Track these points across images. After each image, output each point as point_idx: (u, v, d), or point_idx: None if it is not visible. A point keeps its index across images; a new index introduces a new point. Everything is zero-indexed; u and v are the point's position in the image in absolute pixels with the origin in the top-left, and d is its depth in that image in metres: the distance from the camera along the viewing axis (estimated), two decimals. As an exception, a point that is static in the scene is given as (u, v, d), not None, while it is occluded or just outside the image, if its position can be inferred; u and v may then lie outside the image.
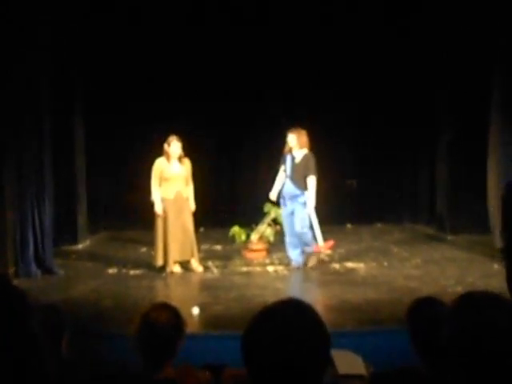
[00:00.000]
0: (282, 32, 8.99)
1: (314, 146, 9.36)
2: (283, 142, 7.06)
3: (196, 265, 7.04)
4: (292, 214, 6.97)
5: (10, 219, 6.73)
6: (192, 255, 6.99)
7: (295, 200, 6.94)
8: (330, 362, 2.43)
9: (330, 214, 9.62)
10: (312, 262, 7.07)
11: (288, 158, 6.99)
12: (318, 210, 9.27)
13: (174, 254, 6.87)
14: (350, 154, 9.81)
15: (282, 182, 7.04)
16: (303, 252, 7.09)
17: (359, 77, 9.31)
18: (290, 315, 1.40)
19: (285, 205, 7.04)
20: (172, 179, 6.87)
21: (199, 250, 7.45)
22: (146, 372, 2.54)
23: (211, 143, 9.59)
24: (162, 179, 6.87)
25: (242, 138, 9.55)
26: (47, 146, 7.21)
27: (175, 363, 2.59)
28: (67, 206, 8.30)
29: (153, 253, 7.10)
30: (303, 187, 6.89)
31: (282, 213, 7.13)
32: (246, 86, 9.34)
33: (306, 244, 7.02)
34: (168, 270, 6.88)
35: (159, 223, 6.89)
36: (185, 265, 7.03)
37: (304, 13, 8.94)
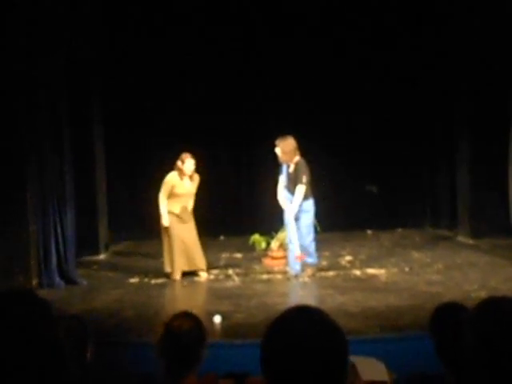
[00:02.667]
0: (295, 47, 9.06)
1: (334, 152, 9.45)
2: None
3: (201, 273, 7.09)
4: (296, 220, 6.97)
5: (33, 231, 6.81)
6: (199, 264, 7.07)
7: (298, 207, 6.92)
8: (352, 368, 2.43)
9: (351, 219, 9.61)
10: (309, 271, 6.98)
11: (284, 168, 7.05)
12: (339, 215, 9.32)
13: (181, 265, 7.01)
14: (370, 160, 9.77)
15: (282, 191, 7.07)
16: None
17: (380, 84, 9.32)
18: (305, 322, 1.40)
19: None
20: (181, 196, 7.03)
21: (220, 259, 7.48)
22: (170, 381, 2.55)
23: (230, 153, 9.64)
24: (173, 194, 7.00)
25: (261, 146, 9.56)
26: (68, 159, 7.30)
27: (198, 372, 2.60)
28: (89, 217, 8.37)
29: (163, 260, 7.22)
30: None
31: (287, 219, 7.08)
32: (262, 98, 9.37)
33: (307, 254, 6.96)
34: (174, 278, 6.99)
35: (165, 236, 7.06)
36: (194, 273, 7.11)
37: (313, 29, 9.02)
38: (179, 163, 6.98)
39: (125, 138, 9.25)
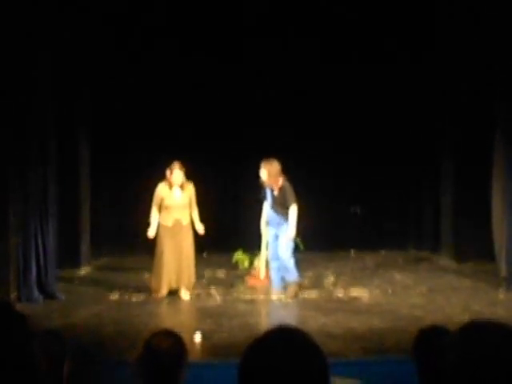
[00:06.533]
0: (282, 69, 9.12)
1: (318, 174, 9.48)
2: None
3: (184, 293, 6.93)
4: (277, 238, 7.07)
5: (13, 244, 6.71)
6: (185, 283, 6.93)
7: (280, 226, 7.04)
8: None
9: (334, 240, 9.61)
10: (291, 290, 7.01)
11: (267, 191, 7.12)
12: (323, 236, 9.33)
13: (170, 281, 6.86)
14: (354, 181, 9.81)
15: (267, 211, 7.16)
16: (282, 278, 7.10)
17: (365, 108, 9.38)
18: (285, 344, 1.37)
19: (271, 230, 7.14)
20: (172, 207, 6.84)
21: (203, 277, 7.42)
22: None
23: (215, 170, 9.62)
24: (163, 207, 6.85)
25: (245, 163, 9.58)
26: (51, 172, 7.23)
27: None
28: (70, 231, 8.28)
29: (151, 278, 7.09)
30: (286, 215, 6.99)
31: (269, 238, 7.19)
32: (252, 115, 9.40)
33: (287, 271, 7.03)
34: (160, 294, 6.86)
35: (156, 250, 6.91)
36: (175, 291, 6.98)
37: (305, 52, 9.10)
38: (168, 173, 6.83)
39: (109, 152, 9.20)
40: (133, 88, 9.08)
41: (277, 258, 7.05)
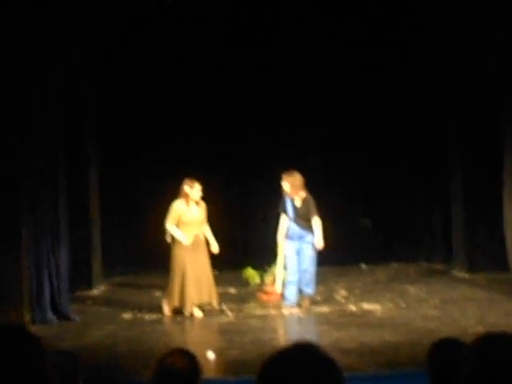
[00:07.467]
0: (289, 79, 9.19)
1: (328, 187, 9.48)
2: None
3: (196, 310, 6.86)
4: (298, 252, 7.05)
5: (26, 266, 6.74)
6: (210, 297, 6.91)
7: (302, 239, 7.05)
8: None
9: (344, 253, 9.57)
10: (306, 304, 7.04)
11: (288, 201, 7.10)
12: (334, 250, 9.29)
13: (193, 298, 6.80)
14: (365, 193, 9.79)
15: (287, 224, 7.12)
16: (300, 292, 7.09)
17: (372, 114, 9.40)
18: (302, 359, 1.38)
19: (291, 244, 7.11)
20: (190, 223, 6.83)
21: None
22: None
23: (223, 186, 9.65)
24: (180, 223, 6.81)
25: (254, 180, 9.61)
26: (62, 193, 7.27)
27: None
28: (82, 251, 8.31)
29: (165, 296, 7.06)
30: (309, 228, 7.02)
31: (287, 251, 7.14)
32: (258, 131, 9.44)
33: (307, 284, 7.04)
34: (186, 313, 6.80)
35: (176, 267, 6.84)
36: (203, 307, 6.97)
37: (310, 53, 9.15)
38: (187, 189, 6.80)
39: (119, 172, 9.27)
40: (142, 108, 9.15)
41: (297, 271, 7.02)
